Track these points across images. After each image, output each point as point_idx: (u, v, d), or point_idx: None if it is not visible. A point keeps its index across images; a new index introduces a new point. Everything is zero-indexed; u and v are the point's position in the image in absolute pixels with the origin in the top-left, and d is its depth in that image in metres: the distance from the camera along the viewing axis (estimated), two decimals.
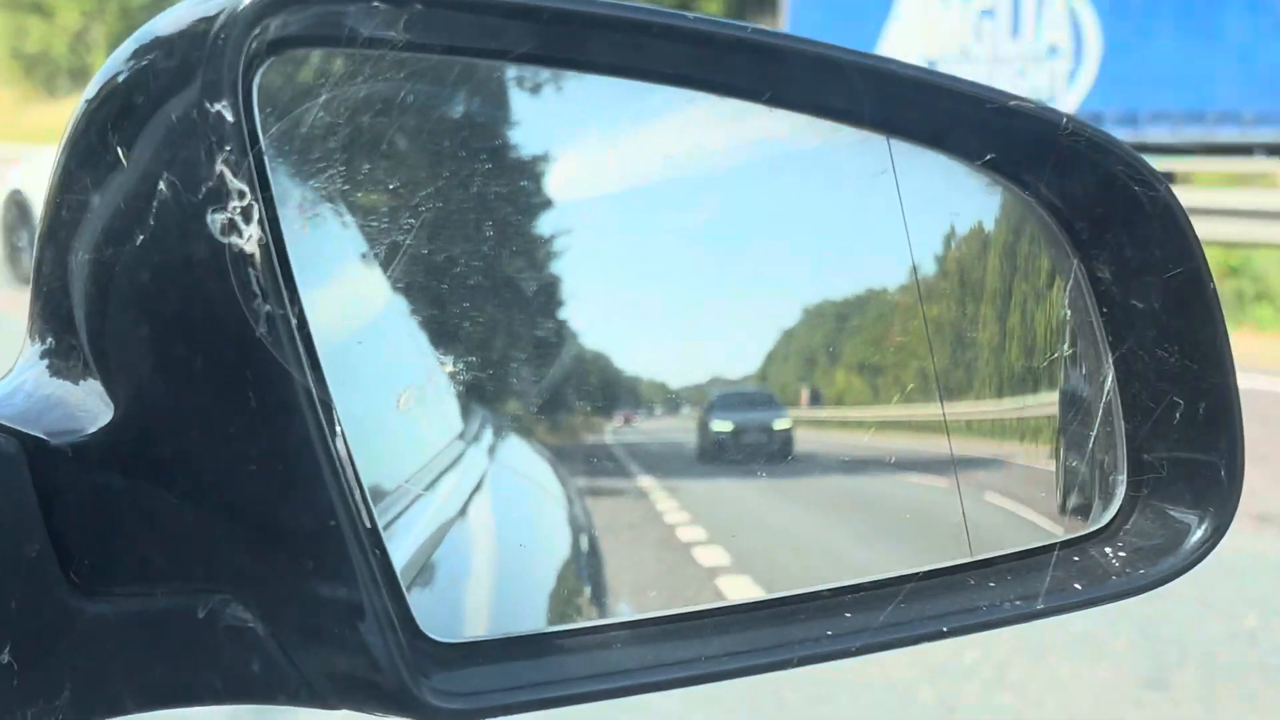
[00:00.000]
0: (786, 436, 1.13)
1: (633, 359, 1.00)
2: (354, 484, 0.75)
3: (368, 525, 0.76)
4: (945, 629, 0.91)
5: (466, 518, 1.18)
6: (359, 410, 0.85)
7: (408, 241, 0.83)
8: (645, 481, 1.02)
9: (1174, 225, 0.97)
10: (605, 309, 1.01)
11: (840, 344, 1.06)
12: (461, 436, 1.19)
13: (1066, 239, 1.01)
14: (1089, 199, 0.99)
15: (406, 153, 0.85)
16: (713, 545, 1.02)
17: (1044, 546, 1.01)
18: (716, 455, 1.09)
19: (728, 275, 1.03)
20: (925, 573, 0.95)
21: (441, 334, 0.87)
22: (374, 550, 0.76)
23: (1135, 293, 1.00)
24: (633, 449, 0.98)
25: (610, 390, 0.96)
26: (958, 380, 1.13)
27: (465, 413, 1.13)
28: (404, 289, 0.86)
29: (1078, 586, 0.98)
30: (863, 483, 1.10)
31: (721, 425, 1.05)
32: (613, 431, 0.97)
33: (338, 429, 0.74)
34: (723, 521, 1.05)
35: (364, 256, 0.87)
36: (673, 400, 0.97)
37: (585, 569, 1.30)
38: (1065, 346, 1.05)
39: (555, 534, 1.33)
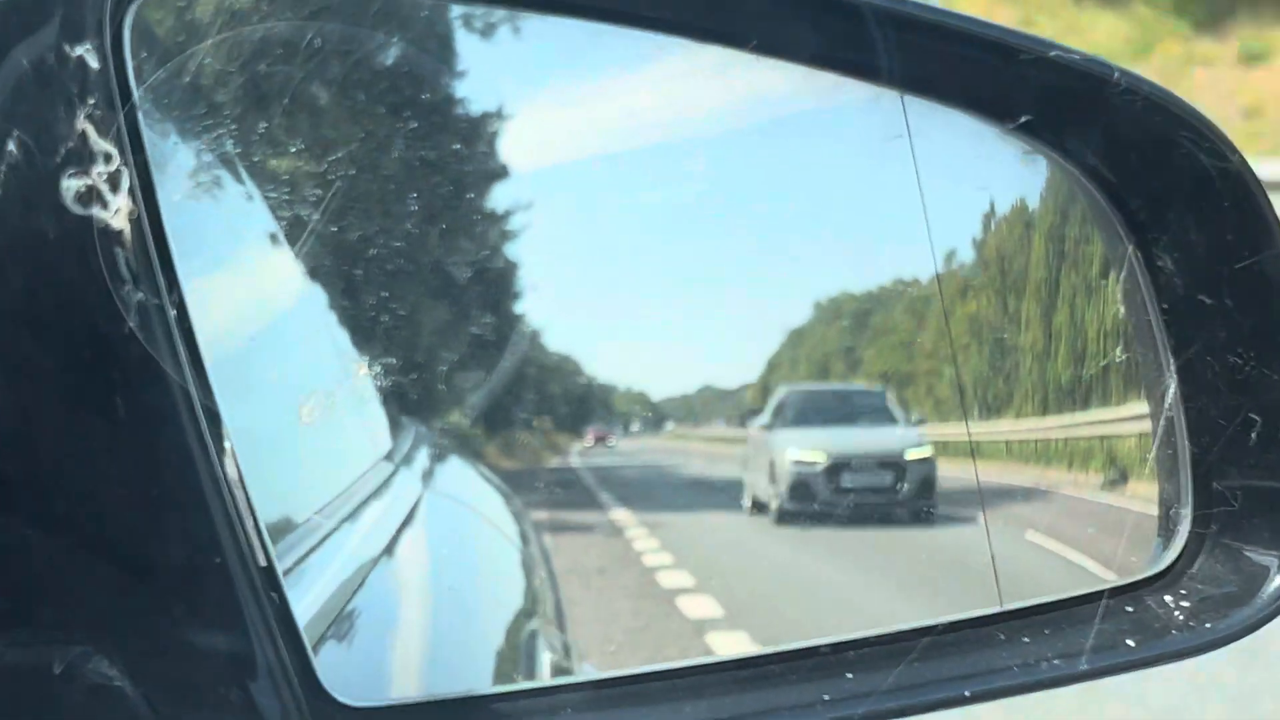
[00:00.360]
0: (926, 474, 1.01)
1: (605, 363, 0.99)
2: (245, 513, 0.74)
3: (261, 564, 0.75)
4: (968, 693, 0.90)
5: (394, 558, 1.17)
6: (254, 422, 0.85)
7: (314, 217, 0.82)
8: (620, 515, 1.01)
9: (1249, 203, 0.96)
10: (569, 303, 1.00)
11: (861, 347, 1.05)
12: (389, 457, 1.18)
13: (1120, 219, 1.00)
14: (1146, 171, 0.98)
15: (313, 108, 0.85)
16: (701, 594, 1.01)
17: (1090, 594, 1.01)
18: (794, 510, 0.97)
19: (720, 262, 1.03)
20: (946, 625, 0.95)
21: (355, 330, 0.87)
22: (269, 593, 0.75)
23: (1202, 285, 0.99)
24: (604, 475, 0.98)
25: (577, 401, 0.95)
26: (997, 394, 1.12)
27: (394, 428, 1.13)
28: (309, 275, 0.85)
29: (1131, 643, 0.98)
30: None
31: (806, 454, 0.95)
32: (580, 453, 0.96)
33: (226, 445, 0.74)
34: (712, 564, 1.05)
35: (260, 235, 0.87)
36: (655, 414, 0.97)
37: (540, 622, 1.30)
38: (1119, 351, 1.05)
39: (505, 579, 1.32)
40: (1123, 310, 1.04)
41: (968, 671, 0.94)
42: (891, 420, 0.92)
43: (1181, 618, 1.01)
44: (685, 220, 1.03)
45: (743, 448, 0.92)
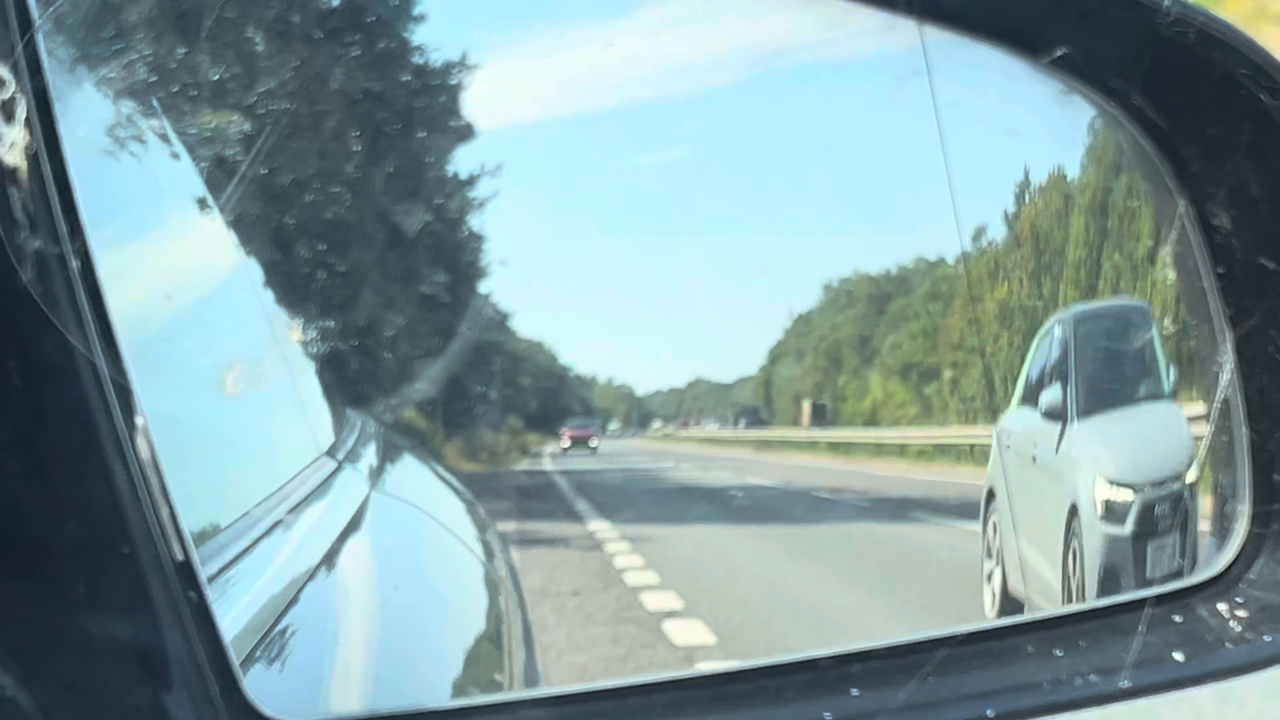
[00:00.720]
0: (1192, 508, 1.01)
1: (584, 352, 0.99)
2: (159, 499, 0.74)
3: (177, 558, 0.75)
4: (991, 713, 0.90)
5: (336, 565, 1.17)
6: (171, 398, 0.85)
7: (240, 158, 0.82)
8: (598, 527, 1.01)
9: None
10: (543, 281, 1.00)
11: (876, 336, 1.05)
12: (332, 453, 1.18)
13: (1170, 171, 1.00)
14: (1201, 114, 0.98)
15: (240, 32, 0.84)
16: (690, 618, 1.01)
17: (1132, 601, 1.01)
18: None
19: (716, 237, 1.03)
20: (965, 635, 0.95)
21: (287, 289, 0.87)
22: (186, 592, 0.75)
23: (1265, 247, 0.99)
24: (582, 480, 0.98)
25: (551, 396, 0.95)
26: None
27: (338, 420, 1.13)
28: (234, 226, 0.85)
29: (1179, 657, 0.97)
30: (895, 530, 1.10)
31: (1116, 489, 0.90)
32: (554, 455, 0.96)
33: (138, 420, 0.73)
34: (703, 584, 1.05)
35: (177, 178, 0.87)
36: (639, 411, 0.97)
37: (504, 645, 1.30)
38: (1168, 322, 1.05)
39: (465, 595, 1.33)
40: (1173, 276, 1.05)
41: (991, 688, 0.93)
42: (1160, 375, 0.75)
43: (1237, 629, 1.01)
44: (676, 188, 1.02)
45: (985, 469, 0.80)
